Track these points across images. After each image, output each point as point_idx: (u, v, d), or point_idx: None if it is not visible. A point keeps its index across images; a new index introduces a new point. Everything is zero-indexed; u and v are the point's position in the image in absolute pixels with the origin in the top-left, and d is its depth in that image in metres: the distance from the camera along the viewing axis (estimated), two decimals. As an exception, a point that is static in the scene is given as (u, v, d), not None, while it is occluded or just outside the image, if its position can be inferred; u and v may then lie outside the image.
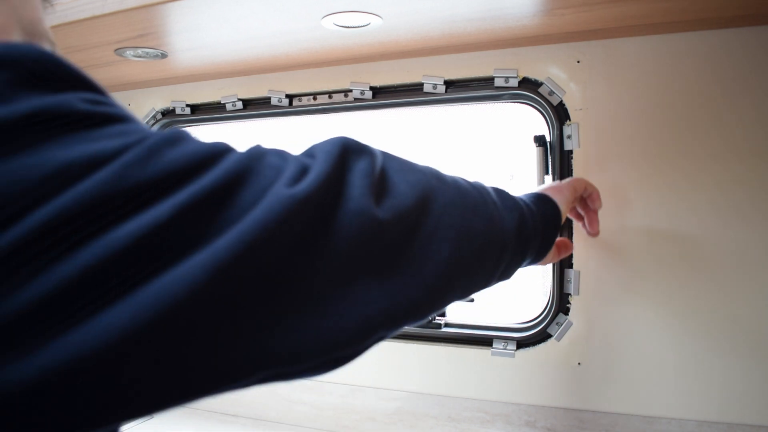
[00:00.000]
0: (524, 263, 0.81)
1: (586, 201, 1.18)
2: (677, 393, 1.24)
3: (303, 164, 0.43)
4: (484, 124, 1.67)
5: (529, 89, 1.35)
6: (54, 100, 0.33)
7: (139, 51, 1.33)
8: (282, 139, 1.97)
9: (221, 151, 0.38)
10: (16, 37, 0.46)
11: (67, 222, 0.31)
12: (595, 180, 1.29)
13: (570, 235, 1.32)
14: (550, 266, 1.37)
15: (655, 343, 1.26)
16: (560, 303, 1.34)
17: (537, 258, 0.86)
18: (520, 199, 0.79)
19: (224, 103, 1.67)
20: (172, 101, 1.75)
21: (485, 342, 1.42)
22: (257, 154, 0.41)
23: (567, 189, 1.02)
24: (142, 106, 1.81)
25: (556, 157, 1.34)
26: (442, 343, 1.46)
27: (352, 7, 1.08)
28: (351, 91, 1.52)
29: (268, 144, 0.46)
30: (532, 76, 1.35)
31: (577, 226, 1.31)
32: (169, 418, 1.67)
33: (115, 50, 1.33)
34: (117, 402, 0.32)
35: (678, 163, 1.23)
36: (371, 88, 1.50)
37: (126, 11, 1.05)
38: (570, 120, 1.32)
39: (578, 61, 1.30)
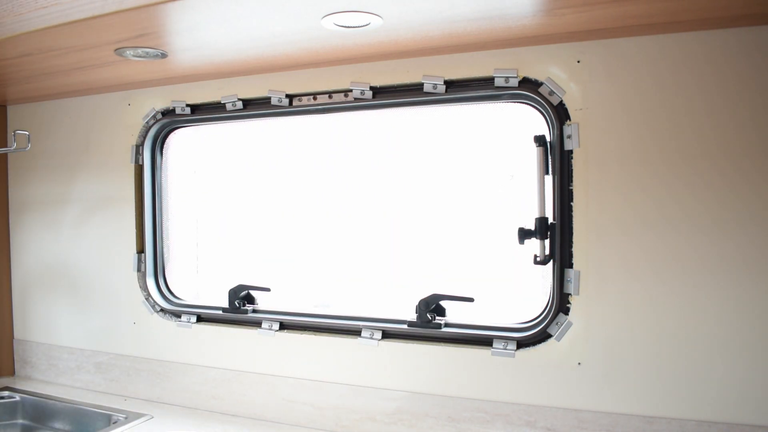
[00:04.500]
0: None
1: None
2: (677, 393, 1.24)
3: None
4: (484, 124, 1.67)
5: (529, 89, 1.35)
6: None
7: (139, 51, 1.33)
8: (282, 138, 1.97)
9: None
10: None
11: None
12: (595, 180, 1.29)
13: (570, 235, 1.32)
14: (550, 266, 1.37)
15: (655, 343, 1.26)
16: (560, 303, 1.34)
17: None
18: None
19: (224, 103, 1.67)
20: (172, 101, 1.75)
21: (485, 342, 1.42)
22: None
23: None
24: (142, 106, 1.81)
25: (556, 156, 1.34)
26: (442, 343, 1.46)
27: (352, 7, 1.08)
28: (351, 91, 1.52)
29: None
30: (532, 76, 1.35)
31: (577, 227, 1.31)
32: (169, 418, 1.68)
33: (115, 50, 1.33)
34: None
35: (678, 162, 1.23)
36: (371, 88, 1.50)
37: (126, 11, 1.05)
38: (570, 120, 1.32)
39: (578, 61, 1.30)
